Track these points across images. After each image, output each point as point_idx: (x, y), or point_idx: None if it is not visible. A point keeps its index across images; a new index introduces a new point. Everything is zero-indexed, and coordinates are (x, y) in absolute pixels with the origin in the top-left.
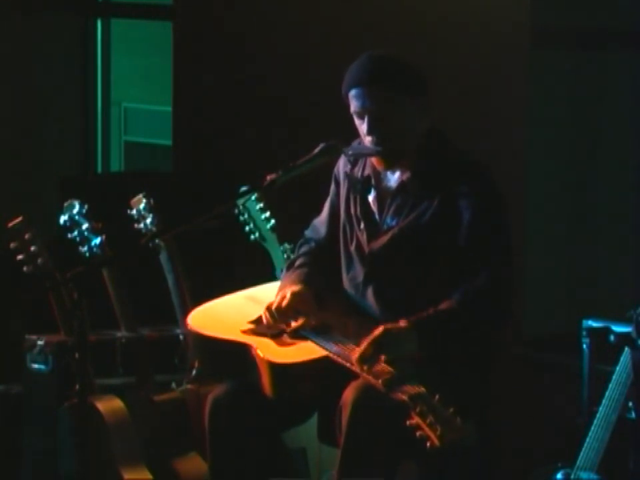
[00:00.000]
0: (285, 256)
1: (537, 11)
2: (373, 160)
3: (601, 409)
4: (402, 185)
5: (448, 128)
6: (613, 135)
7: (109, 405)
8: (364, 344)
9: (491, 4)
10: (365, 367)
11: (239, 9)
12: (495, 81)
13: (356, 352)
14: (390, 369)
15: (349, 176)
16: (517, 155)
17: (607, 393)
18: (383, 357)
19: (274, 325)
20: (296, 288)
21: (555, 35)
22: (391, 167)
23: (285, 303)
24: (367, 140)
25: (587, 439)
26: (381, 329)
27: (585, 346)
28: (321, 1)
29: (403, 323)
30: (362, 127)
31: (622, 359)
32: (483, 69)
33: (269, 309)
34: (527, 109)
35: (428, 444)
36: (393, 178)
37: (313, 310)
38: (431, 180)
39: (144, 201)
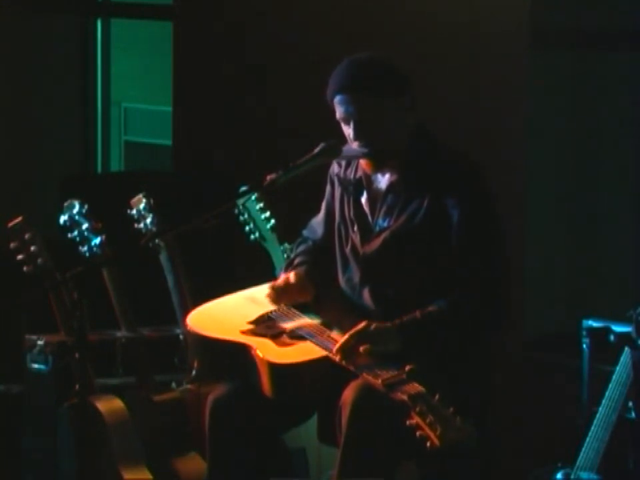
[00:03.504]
0: (285, 256)
1: (537, 11)
2: (362, 163)
3: (600, 409)
4: (391, 185)
5: (447, 128)
6: (613, 134)
7: (108, 405)
8: (345, 335)
9: (491, 4)
10: (344, 358)
11: (239, 8)
12: (494, 80)
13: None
14: (370, 360)
15: (341, 178)
16: (517, 155)
17: (607, 393)
18: (362, 348)
19: (277, 302)
20: (300, 271)
21: (555, 35)
22: (379, 169)
23: (291, 279)
24: (354, 145)
25: (587, 439)
26: (364, 323)
27: (584, 346)
28: (322, 1)
29: (388, 323)
30: (348, 131)
31: (622, 359)
32: (483, 69)
33: (273, 286)
34: (527, 109)
35: (428, 444)
36: (383, 179)
37: (309, 297)
38: (420, 180)
39: (144, 200)
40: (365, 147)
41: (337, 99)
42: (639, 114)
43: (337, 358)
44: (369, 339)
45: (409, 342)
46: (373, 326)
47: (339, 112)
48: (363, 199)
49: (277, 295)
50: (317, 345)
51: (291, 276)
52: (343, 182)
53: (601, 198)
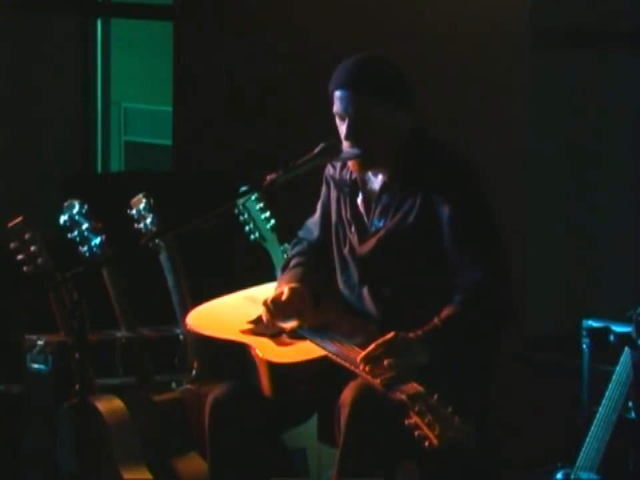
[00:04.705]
0: (285, 256)
1: (537, 10)
2: (349, 163)
3: (600, 409)
4: (384, 185)
5: (446, 128)
6: (613, 134)
7: (108, 405)
8: (372, 344)
9: (491, 4)
10: (367, 367)
11: (239, 8)
12: (494, 81)
13: (356, 352)
14: (391, 372)
15: (336, 180)
16: (517, 154)
17: (607, 393)
18: (386, 362)
19: (272, 322)
20: (293, 285)
21: (555, 34)
22: (366, 170)
23: (283, 297)
24: (344, 144)
25: (587, 439)
26: (392, 333)
27: (584, 346)
28: (321, 1)
29: (412, 334)
30: (341, 127)
31: (622, 359)
32: (483, 69)
33: (266, 303)
34: (527, 109)
35: (426, 443)
36: (377, 180)
37: (310, 308)
38: (413, 179)
39: (144, 200)
40: (355, 147)
41: (337, 93)
42: (639, 114)
43: (361, 367)
44: (396, 351)
45: (436, 351)
46: (400, 337)
47: (337, 106)
48: (359, 200)
49: (272, 313)
50: (318, 344)
51: (285, 291)
52: (339, 183)
53: (601, 198)
